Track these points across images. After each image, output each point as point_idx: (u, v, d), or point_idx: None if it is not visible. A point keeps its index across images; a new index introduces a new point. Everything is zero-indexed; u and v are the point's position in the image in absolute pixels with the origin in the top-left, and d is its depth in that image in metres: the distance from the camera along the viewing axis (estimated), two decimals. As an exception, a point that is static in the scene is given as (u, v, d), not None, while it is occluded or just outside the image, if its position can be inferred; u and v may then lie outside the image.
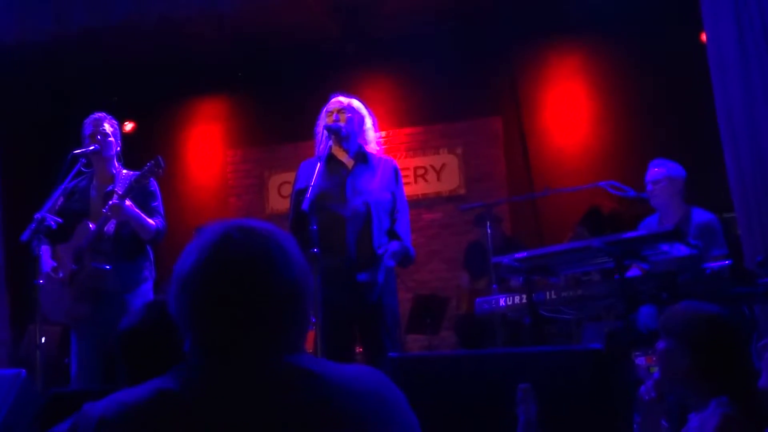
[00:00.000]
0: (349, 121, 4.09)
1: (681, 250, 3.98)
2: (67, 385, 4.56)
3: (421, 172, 8.41)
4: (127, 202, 4.13)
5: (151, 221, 4.24)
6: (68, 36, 6.54)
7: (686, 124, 6.99)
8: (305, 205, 3.60)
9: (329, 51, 8.26)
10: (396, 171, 4.16)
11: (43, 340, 4.25)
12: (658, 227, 4.64)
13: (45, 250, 4.28)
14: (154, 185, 4.40)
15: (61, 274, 4.28)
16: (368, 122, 4.22)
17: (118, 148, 4.50)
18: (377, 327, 3.89)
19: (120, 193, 4.15)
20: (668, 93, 7.34)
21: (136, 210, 4.18)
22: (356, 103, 4.20)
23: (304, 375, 1.31)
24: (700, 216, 4.68)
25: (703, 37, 5.35)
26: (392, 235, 4.01)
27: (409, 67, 8.21)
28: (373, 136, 4.24)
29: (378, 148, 4.28)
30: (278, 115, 8.64)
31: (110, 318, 3.71)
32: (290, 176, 8.76)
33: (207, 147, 9.32)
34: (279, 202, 8.85)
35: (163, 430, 1.21)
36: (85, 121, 4.45)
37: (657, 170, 4.76)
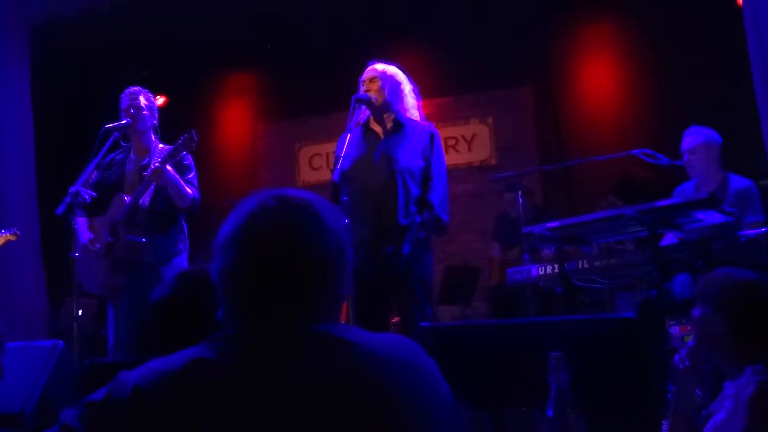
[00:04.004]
0: (380, 90, 4.01)
1: (716, 217, 3.93)
2: (104, 357, 4.63)
3: (452, 142, 8.38)
4: (168, 167, 4.17)
5: (188, 189, 4.28)
6: (99, 9, 6.58)
7: (721, 90, 6.86)
8: (335, 176, 3.58)
9: (358, 22, 8.21)
10: (432, 136, 4.01)
11: (80, 312, 4.32)
12: (693, 194, 4.58)
13: (82, 222, 4.34)
14: (189, 159, 4.42)
15: (98, 246, 4.33)
16: (406, 88, 4.11)
17: (155, 122, 4.53)
18: (406, 299, 3.86)
19: (159, 161, 4.19)
20: (702, 59, 7.20)
21: (176, 175, 4.21)
22: (392, 70, 4.10)
23: (336, 343, 1.32)
24: (738, 182, 4.61)
25: (740, 0, 5.24)
26: (424, 203, 3.89)
27: (439, 37, 8.13)
28: (412, 102, 4.12)
29: (418, 114, 4.15)
30: (308, 88, 8.63)
31: (145, 290, 3.72)
32: (321, 148, 8.85)
33: (238, 120, 9.36)
34: (310, 174, 8.88)
35: (198, 397, 1.22)
36: (122, 95, 4.49)
37: (693, 138, 4.69)
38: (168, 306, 1.85)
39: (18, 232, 5.15)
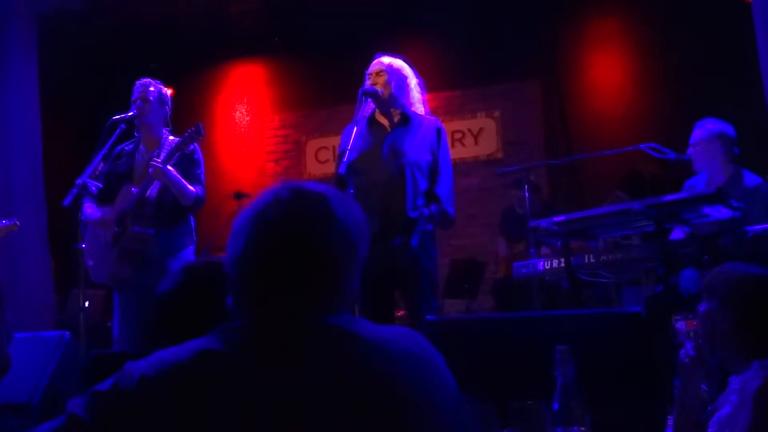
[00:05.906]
0: (386, 83, 4.01)
1: (724, 212, 3.90)
2: (110, 348, 4.64)
3: (458, 136, 8.36)
4: (169, 167, 4.18)
5: (191, 188, 4.29)
6: (106, 1, 6.57)
7: (729, 85, 6.83)
8: (341, 169, 3.58)
9: (366, 14, 8.20)
10: (438, 130, 4.02)
11: (86, 304, 4.33)
12: (701, 189, 4.54)
13: (90, 206, 4.34)
14: (199, 153, 4.44)
15: (110, 215, 4.33)
16: (412, 82, 4.11)
17: (166, 114, 4.53)
18: (413, 291, 3.86)
19: (163, 157, 4.20)
20: (711, 53, 7.17)
21: (177, 176, 4.23)
22: (398, 63, 4.09)
23: (342, 335, 1.32)
24: (751, 179, 4.54)
25: (749, -4, 5.21)
26: (431, 196, 3.90)
27: (446, 30, 8.11)
28: (417, 96, 4.12)
29: (423, 108, 4.15)
30: (316, 80, 8.64)
31: (152, 282, 3.73)
32: (328, 141, 8.84)
33: (245, 112, 9.36)
34: (316, 167, 8.87)
35: (204, 388, 1.23)
36: (134, 85, 4.49)
37: (697, 132, 4.63)
38: (173, 299, 1.86)
39: (18, 222, 5.14)
